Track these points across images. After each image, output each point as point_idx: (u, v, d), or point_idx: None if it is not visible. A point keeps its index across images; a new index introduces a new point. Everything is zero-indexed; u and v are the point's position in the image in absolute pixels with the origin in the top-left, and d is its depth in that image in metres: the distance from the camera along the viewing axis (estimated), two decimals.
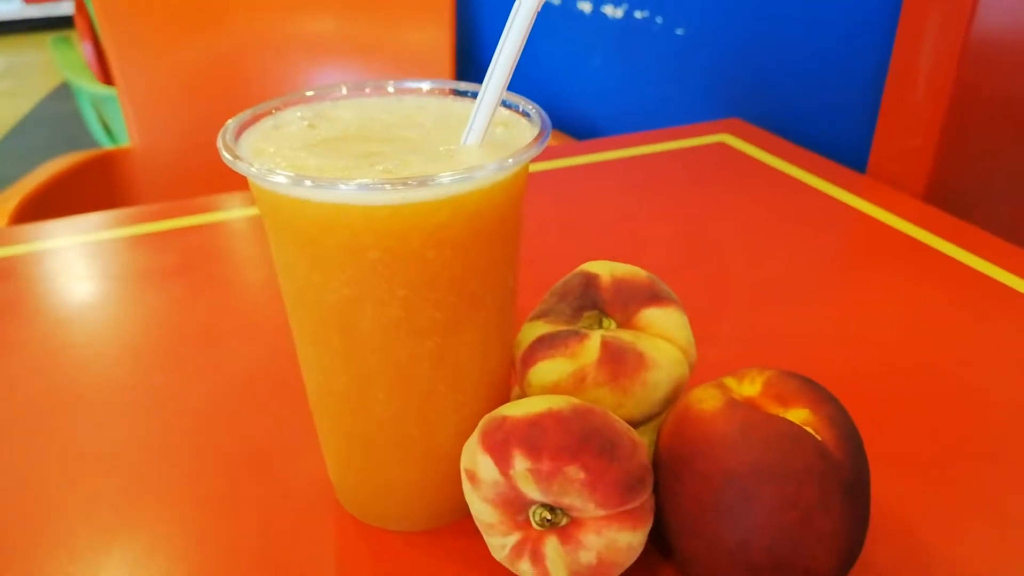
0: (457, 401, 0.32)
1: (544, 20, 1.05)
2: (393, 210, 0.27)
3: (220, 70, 1.07)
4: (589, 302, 0.36)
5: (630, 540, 0.30)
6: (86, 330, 0.50)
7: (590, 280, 0.36)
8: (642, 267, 0.37)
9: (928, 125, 0.62)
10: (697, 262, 0.56)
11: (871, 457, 0.32)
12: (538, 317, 0.36)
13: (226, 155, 0.28)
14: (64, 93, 2.93)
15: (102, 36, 1.03)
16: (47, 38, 1.86)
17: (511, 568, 0.32)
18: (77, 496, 0.37)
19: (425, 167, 0.29)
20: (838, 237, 0.60)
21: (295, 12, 1.08)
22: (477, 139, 0.30)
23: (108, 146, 1.18)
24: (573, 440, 0.29)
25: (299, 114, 0.33)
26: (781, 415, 0.30)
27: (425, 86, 0.35)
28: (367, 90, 0.35)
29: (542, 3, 0.29)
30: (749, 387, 0.31)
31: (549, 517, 0.30)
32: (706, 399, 0.31)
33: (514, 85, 0.32)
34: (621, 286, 0.36)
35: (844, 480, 0.28)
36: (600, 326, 0.36)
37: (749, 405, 0.30)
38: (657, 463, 0.31)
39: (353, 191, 0.26)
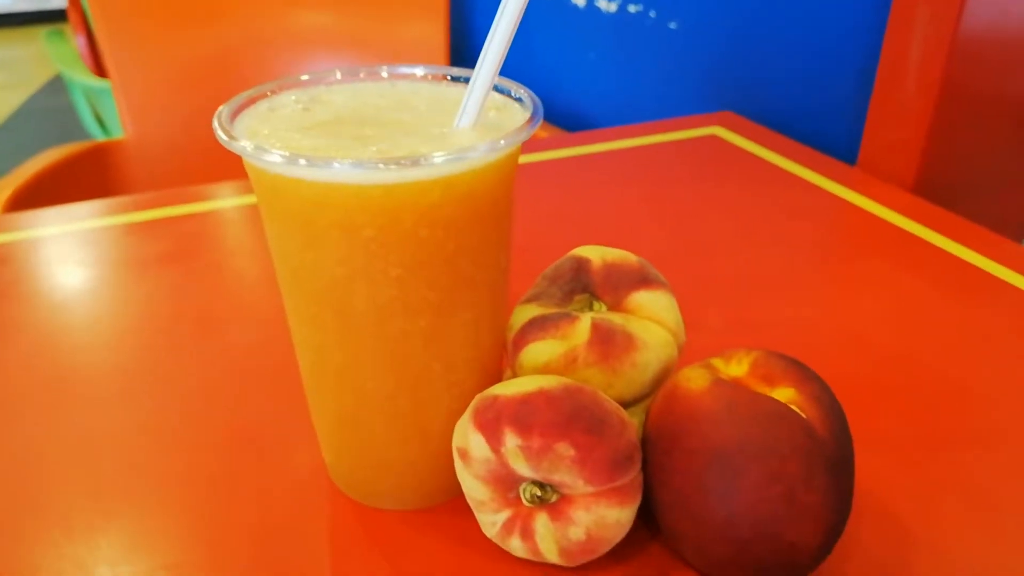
0: (449, 380, 0.32)
1: (539, 14, 1.06)
2: (386, 189, 0.27)
3: (214, 63, 1.07)
4: (580, 285, 0.37)
5: (619, 516, 0.31)
6: (82, 315, 0.50)
7: (581, 264, 0.37)
8: (635, 254, 0.38)
9: (917, 119, 0.62)
10: (688, 251, 0.57)
11: (859, 438, 0.32)
12: (530, 300, 0.37)
13: (221, 135, 0.28)
14: (57, 86, 2.92)
15: (96, 29, 1.03)
16: (40, 31, 1.85)
17: (502, 545, 0.32)
18: (73, 478, 0.38)
19: (418, 148, 0.29)
20: (828, 228, 0.60)
21: (289, 5, 1.09)
22: (470, 122, 0.30)
23: (101, 139, 1.18)
24: (562, 418, 0.30)
25: (294, 97, 0.33)
26: (767, 394, 0.30)
27: (419, 71, 0.35)
28: (361, 75, 0.35)
29: None
30: (736, 367, 0.32)
31: (539, 494, 0.31)
32: (694, 378, 0.31)
33: (508, 77, 0.32)
34: (612, 270, 0.37)
35: (828, 457, 0.29)
36: (591, 309, 0.36)
37: (736, 384, 0.31)
38: (646, 441, 0.32)
39: (347, 169, 0.27)
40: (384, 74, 0.35)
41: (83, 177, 0.95)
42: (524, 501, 0.31)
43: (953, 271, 0.53)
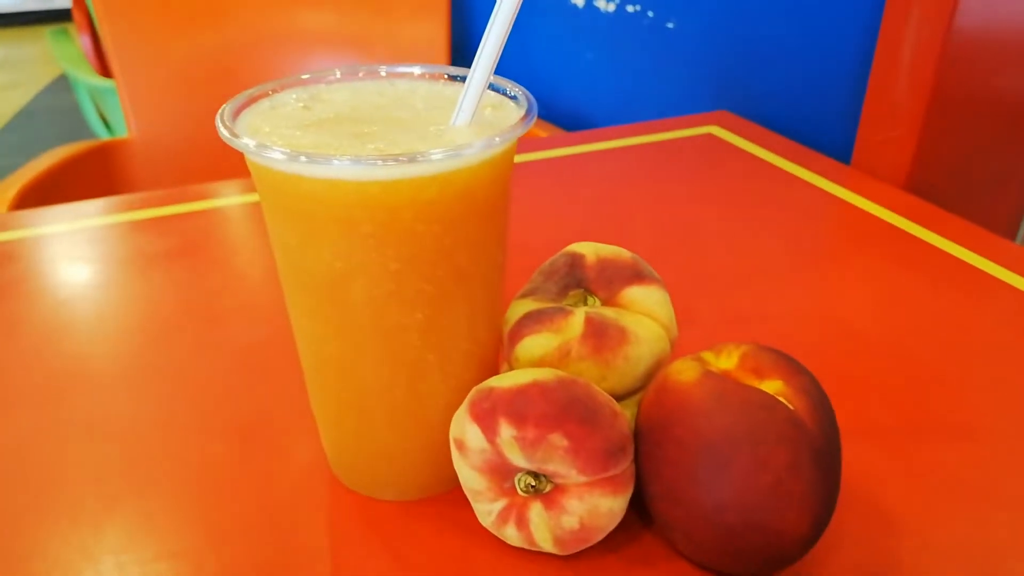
0: (446, 372, 0.33)
1: (537, 14, 1.06)
2: (384, 185, 0.28)
3: (218, 63, 1.08)
4: (574, 281, 0.37)
5: (611, 505, 0.32)
6: (88, 310, 0.51)
7: (576, 260, 0.38)
8: (630, 251, 0.38)
9: (910, 118, 0.63)
10: (684, 247, 0.57)
11: (848, 431, 0.33)
12: (525, 295, 0.37)
13: (224, 132, 0.29)
14: (62, 85, 2.93)
15: (100, 29, 1.04)
16: (45, 30, 1.86)
17: (497, 534, 0.33)
18: (79, 468, 0.39)
19: (416, 145, 0.30)
20: (821, 225, 0.61)
21: (292, 6, 1.10)
22: (466, 119, 0.31)
23: (106, 138, 1.19)
24: (556, 409, 0.31)
25: (294, 96, 0.34)
26: (755, 386, 0.31)
27: (416, 70, 0.36)
28: (360, 74, 0.36)
29: None
30: (726, 360, 0.33)
31: (534, 483, 0.32)
32: (684, 371, 0.32)
33: (507, 77, 0.33)
34: (605, 265, 0.37)
35: (815, 447, 0.30)
36: (585, 304, 0.37)
37: (725, 376, 0.32)
38: (638, 432, 0.33)
39: (346, 166, 0.27)
40: (383, 73, 0.36)
41: (88, 176, 0.96)
42: (519, 491, 0.32)
43: (944, 267, 0.54)
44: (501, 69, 0.32)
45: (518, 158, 0.71)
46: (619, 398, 0.35)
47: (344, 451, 0.37)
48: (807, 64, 0.74)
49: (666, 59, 0.89)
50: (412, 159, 0.28)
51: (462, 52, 1.15)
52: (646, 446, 0.32)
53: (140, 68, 1.05)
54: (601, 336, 0.34)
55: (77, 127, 1.94)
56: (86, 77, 1.49)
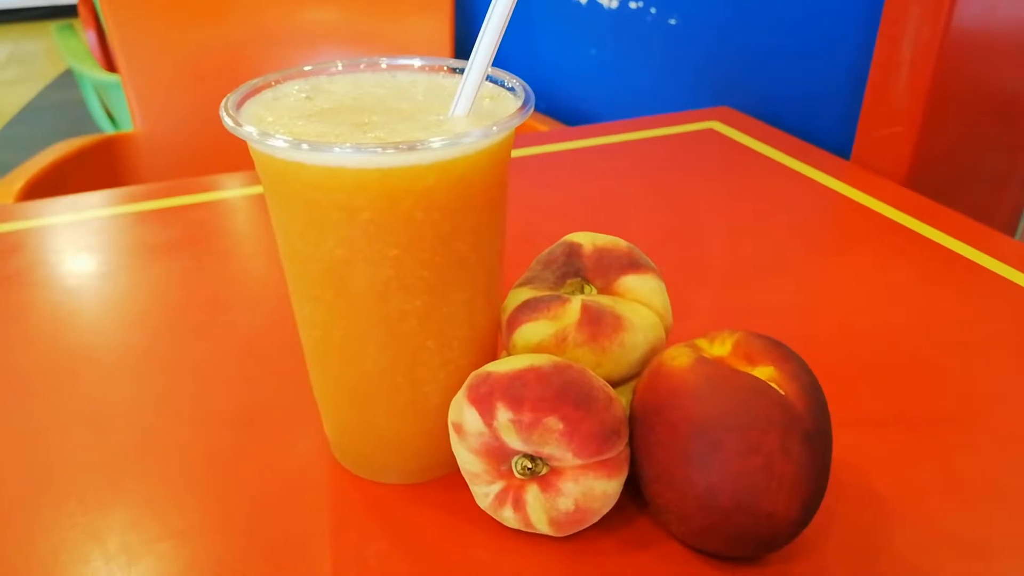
0: (444, 357, 0.34)
1: (542, 10, 1.07)
2: (384, 173, 0.29)
3: (222, 58, 1.08)
4: (572, 270, 0.38)
5: (605, 488, 0.32)
6: (94, 299, 0.52)
7: (573, 249, 0.38)
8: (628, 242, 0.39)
9: (909, 114, 0.64)
10: (684, 240, 0.58)
11: (842, 421, 0.34)
12: (524, 284, 0.38)
13: (228, 121, 0.30)
14: (68, 81, 2.95)
15: (106, 24, 1.05)
16: (51, 26, 1.87)
17: (494, 515, 0.34)
18: (86, 452, 0.39)
19: (415, 134, 0.31)
20: (821, 219, 0.62)
21: (297, 2, 1.10)
22: (465, 110, 0.32)
23: (111, 132, 1.19)
24: (552, 393, 0.31)
25: (297, 87, 0.35)
26: (747, 371, 0.32)
27: (417, 62, 0.37)
28: (362, 66, 0.36)
29: None
30: (720, 347, 0.33)
31: (530, 466, 0.32)
32: (678, 357, 0.33)
33: (511, 72, 0.34)
34: (602, 254, 0.38)
35: (805, 430, 0.30)
36: (582, 292, 0.38)
37: (717, 362, 0.32)
38: (633, 417, 0.33)
39: (347, 154, 0.28)
40: (384, 65, 0.37)
41: (93, 169, 0.96)
42: (516, 473, 0.33)
43: (942, 262, 0.54)
44: (505, 64, 0.32)
45: (520, 152, 0.71)
46: (615, 384, 0.36)
47: (345, 435, 0.37)
48: (808, 61, 0.75)
49: (668, 55, 0.90)
50: (412, 147, 0.28)
51: (465, 48, 1.16)
52: (640, 430, 0.33)
53: (145, 63, 1.06)
54: (597, 323, 0.35)
55: (82, 122, 1.95)
56: (91, 72, 1.50)
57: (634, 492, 0.34)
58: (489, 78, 0.34)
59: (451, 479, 0.37)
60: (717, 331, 0.34)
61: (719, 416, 0.30)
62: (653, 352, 0.36)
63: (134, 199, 0.65)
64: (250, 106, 0.33)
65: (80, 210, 0.63)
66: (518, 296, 0.37)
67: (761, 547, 0.32)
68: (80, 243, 0.59)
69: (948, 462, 0.38)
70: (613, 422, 0.32)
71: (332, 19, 1.11)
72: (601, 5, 0.97)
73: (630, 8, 0.93)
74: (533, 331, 0.35)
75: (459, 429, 0.33)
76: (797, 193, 0.64)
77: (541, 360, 0.33)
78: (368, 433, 0.36)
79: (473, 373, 0.33)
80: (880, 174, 0.66)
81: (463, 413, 0.33)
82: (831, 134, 0.73)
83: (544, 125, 0.94)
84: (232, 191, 0.67)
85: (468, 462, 0.33)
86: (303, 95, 0.34)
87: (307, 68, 0.36)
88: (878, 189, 0.63)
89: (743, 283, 0.53)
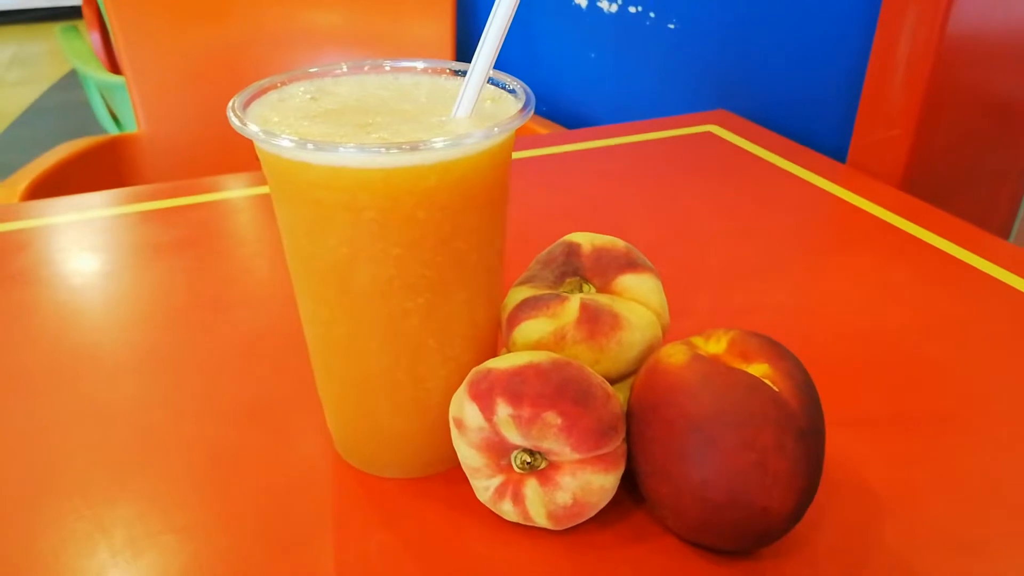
0: (445, 355, 0.35)
1: (541, 14, 1.08)
2: (387, 173, 0.30)
3: (226, 59, 1.09)
4: (571, 269, 0.39)
5: (603, 482, 0.33)
6: (99, 298, 0.53)
7: (572, 248, 0.39)
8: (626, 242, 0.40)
9: (905, 117, 0.64)
10: (681, 241, 0.59)
11: (836, 420, 0.34)
12: (524, 282, 0.39)
13: (235, 121, 0.31)
14: (72, 82, 2.96)
15: (110, 25, 1.06)
16: (55, 27, 1.88)
17: (494, 509, 0.35)
18: (92, 447, 0.40)
19: (418, 135, 0.31)
20: (817, 222, 0.62)
21: (299, 4, 1.11)
22: (466, 111, 0.33)
23: (115, 133, 1.20)
24: (551, 389, 0.32)
25: (302, 89, 0.36)
26: (742, 369, 0.32)
27: (420, 65, 0.37)
28: (365, 68, 0.37)
29: None
30: (715, 345, 0.34)
31: (529, 460, 0.33)
32: (674, 354, 0.33)
33: (512, 75, 0.35)
34: (600, 254, 0.39)
35: (798, 427, 0.31)
36: (580, 291, 0.38)
37: (713, 360, 0.33)
38: (630, 414, 0.34)
39: (351, 153, 0.29)
40: (387, 67, 0.37)
41: (98, 170, 0.97)
42: (515, 467, 0.33)
43: (937, 264, 0.55)
44: (507, 68, 0.33)
45: (521, 155, 0.72)
46: (612, 381, 0.37)
47: (348, 431, 0.38)
48: (805, 65, 0.76)
49: (667, 59, 0.91)
50: (414, 147, 0.29)
51: (466, 50, 1.17)
52: (637, 426, 0.33)
53: (149, 65, 1.07)
54: (595, 321, 0.36)
55: (87, 123, 1.96)
56: (96, 73, 1.51)
57: (631, 487, 0.35)
58: (491, 80, 0.35)
59: (452, 474, 0.37)
60: (712, 329, 0.35)
61: (714, 413, 0.31)
62: (650, 350, 0.37)
63: (138, 199, 0.66)
64: (256, 107, 0.34)
65: (84, 210, 0.64)
66: (518, 294, 0.38)
67: (755, 541, 0.32)
68: (84, 242, 0.60)
69: (942, 461, 0.39)
70: (610, 418, 0.33)
71: (335, 22, 1.12)
72: (601, 9, 0.98)
73: (630, 12, 0.94)
74: (532, 329, 0.36)
75: (460, 424, 0.34)
76: (794, 195, 0.65)
77: (540, 357, 0.33)
78: (371, 429, 0.37)
79: (474, 369, 0.34)
80: (876, 177, 0.67)
81: (464, 408, 0.33)
82: (828, 137, 0.74)
83: (544, 128, 0.95)
84: (235, 192, 0.67)
85: (468, 457, 0.34)
86: (308, 96, 0.35)
87: (312, 70, 0.36)
88: (874, 192, 0.64)
89: (740, 284, 0.53)
